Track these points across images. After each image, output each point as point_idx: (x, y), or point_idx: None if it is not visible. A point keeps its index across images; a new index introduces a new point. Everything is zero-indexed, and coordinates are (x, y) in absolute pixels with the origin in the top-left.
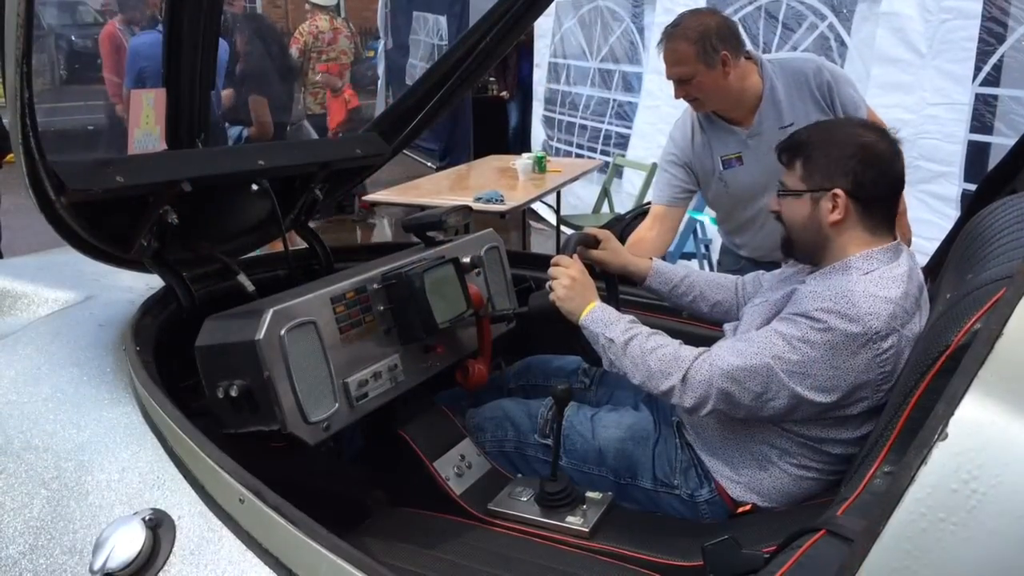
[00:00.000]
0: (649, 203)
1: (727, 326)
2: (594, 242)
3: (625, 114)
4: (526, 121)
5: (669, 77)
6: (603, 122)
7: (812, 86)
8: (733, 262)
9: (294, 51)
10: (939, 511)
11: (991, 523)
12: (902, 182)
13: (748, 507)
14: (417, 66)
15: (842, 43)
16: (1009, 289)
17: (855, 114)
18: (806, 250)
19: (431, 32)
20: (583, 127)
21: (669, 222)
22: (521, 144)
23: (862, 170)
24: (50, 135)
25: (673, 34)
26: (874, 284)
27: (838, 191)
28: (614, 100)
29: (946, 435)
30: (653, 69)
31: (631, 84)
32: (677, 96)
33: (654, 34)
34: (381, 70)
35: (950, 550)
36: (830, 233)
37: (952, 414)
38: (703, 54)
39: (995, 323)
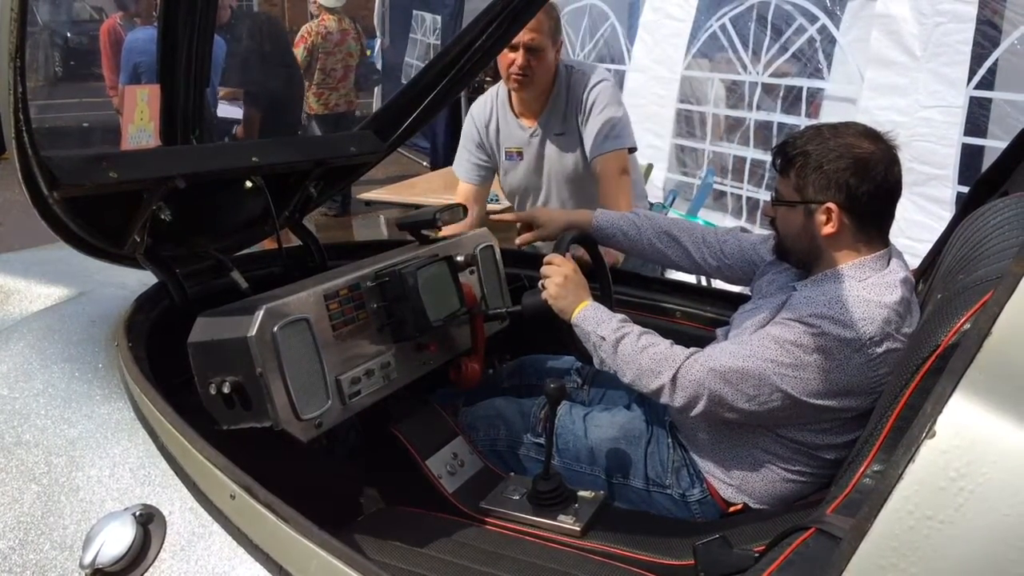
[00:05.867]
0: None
1: (719, 330)
2: (588, 240)
3: None
4: None
5: (519, 43)
6: None
7: (576, 103)
8: None
9: (301, 50)
10: (926, 508)
11: (978, 520)
12: (899, 190)
13: (739, 507)
14: (414, 65)
15: (832, 42)
16: (998, 289)
17: (589, 140)
18: (799, 257)
19: (428, 31)
20: None
21: (480, 199)
22: None
23: (857, 184)
24: (44, 131)
25: None
26: (867, 290)
27: (831, 205)
28: None
29: (934, 433)
30: (636, 67)
31: (616, 83)
32: (519, 63)
33: (640, 34)
34: (380, 68)
35: (937, 547)
36: (823, 244)
37: (940, 413)
38: (554, 32)
39: (984, 323)
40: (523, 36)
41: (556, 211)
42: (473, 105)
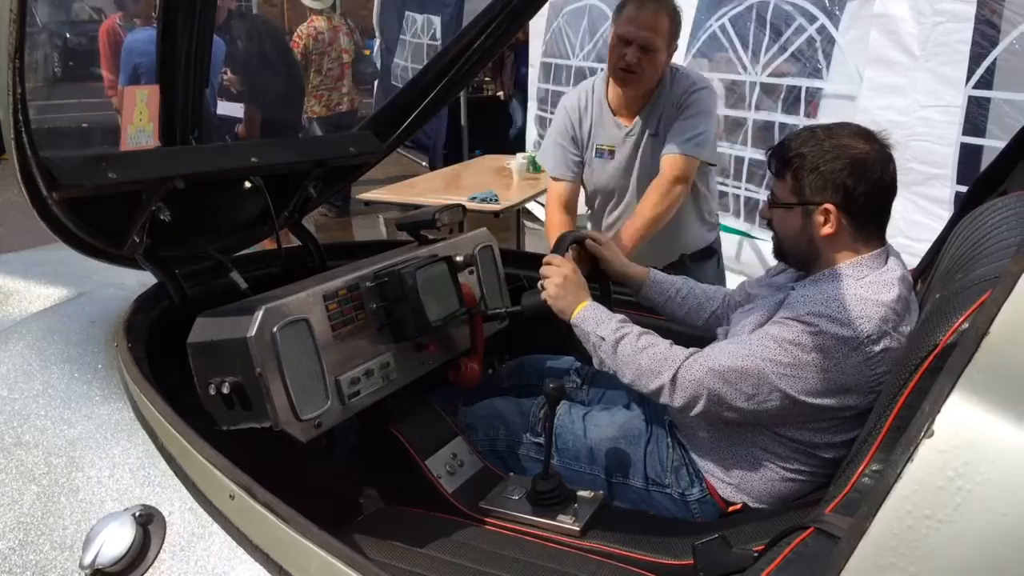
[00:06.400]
0: None
1: (719, 329)
2: (590, 242)
3: None
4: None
5: (633, 38)
6: None
7: (675, 103)
8: None
9: (295, 54)
10: (925, 508)
11: (976, 520)
12: (894, 188)
13: (739, 506)
14: (400, 65)
15: (831, 42)
16: (996, 289)
17: (671, 142)
18: (797, 258)
19: (420, 32)
20: None
21: (575, 199)
22: (523, 145)
23: (854, 184)
24: (43, 131)
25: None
26: (865, 288)
27: (829, 206)
28: None
29: (932, 433)
30: None
31: None
32: (628, 59)
33: None
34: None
35: (935, 546)
36: (821, 244)
37: (938, 412)
38: (672, 36)
39: (982, 322)
40: (639, 32)
41: (620, 255)
42: (565, 98)
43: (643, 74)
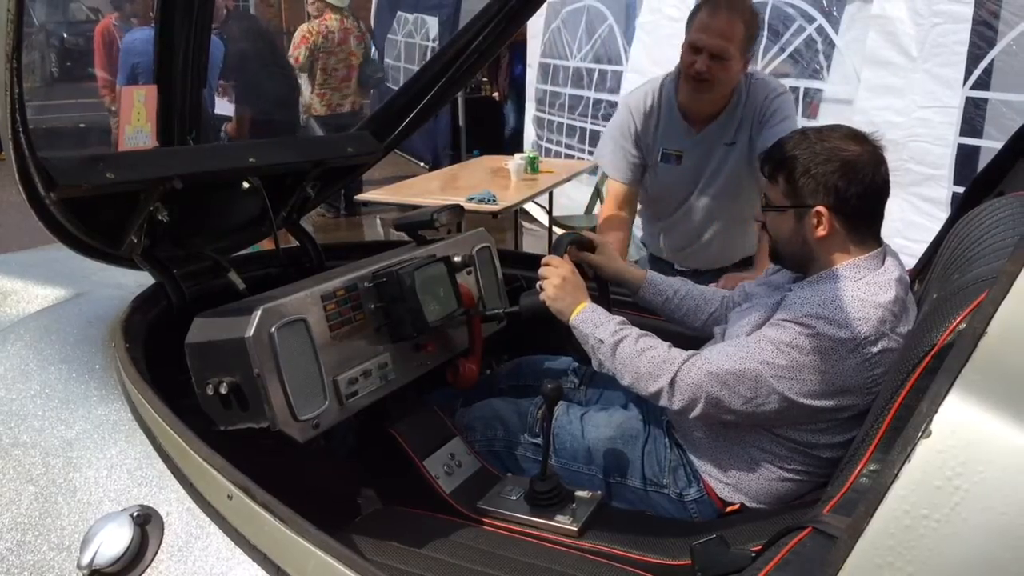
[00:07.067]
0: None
1: (716, 329)
2: (587, 244)
3: (608, 114)
4: (522, 123)
5: (704, 46)
6: (587, 122)
7: (755, 110)
8: (658, 270)
9: (302, 51)
10: (922, 507)
11: (974, 519)
12: (887, 190)
13: (737, 506)
14: (390, 64)
15: (830, 44)
16: (993, 289)
17: (766, 144)
18: (793, 260)
19: (412, 32)
20: (571, 128)
21: (633, 199)
22: (518, 146)
23: (845, 186)
24: (41, 132)
25: (733, 5)
26: (862, 290)
27: (821, 208)
28: (596, 100)
29: (930, 433)
30: (633, 68)
31: (613, 84)
32: (697, 67)
33: (638, 35)
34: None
35: (933, 546)
36: (816, 246)
37: (936, 412)
38: (747, 42)
39: (979, 323)
40: (711, 40)
41: (617, 257)
42: (629, 98)
43: (715, 83)
